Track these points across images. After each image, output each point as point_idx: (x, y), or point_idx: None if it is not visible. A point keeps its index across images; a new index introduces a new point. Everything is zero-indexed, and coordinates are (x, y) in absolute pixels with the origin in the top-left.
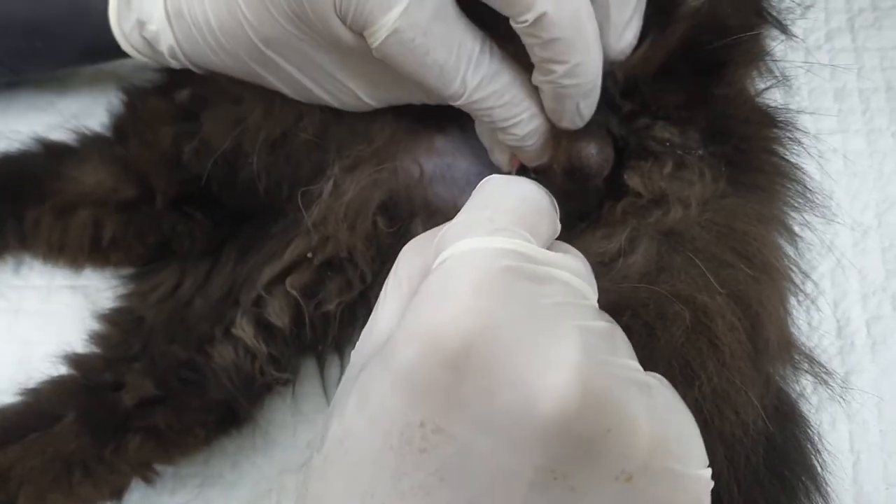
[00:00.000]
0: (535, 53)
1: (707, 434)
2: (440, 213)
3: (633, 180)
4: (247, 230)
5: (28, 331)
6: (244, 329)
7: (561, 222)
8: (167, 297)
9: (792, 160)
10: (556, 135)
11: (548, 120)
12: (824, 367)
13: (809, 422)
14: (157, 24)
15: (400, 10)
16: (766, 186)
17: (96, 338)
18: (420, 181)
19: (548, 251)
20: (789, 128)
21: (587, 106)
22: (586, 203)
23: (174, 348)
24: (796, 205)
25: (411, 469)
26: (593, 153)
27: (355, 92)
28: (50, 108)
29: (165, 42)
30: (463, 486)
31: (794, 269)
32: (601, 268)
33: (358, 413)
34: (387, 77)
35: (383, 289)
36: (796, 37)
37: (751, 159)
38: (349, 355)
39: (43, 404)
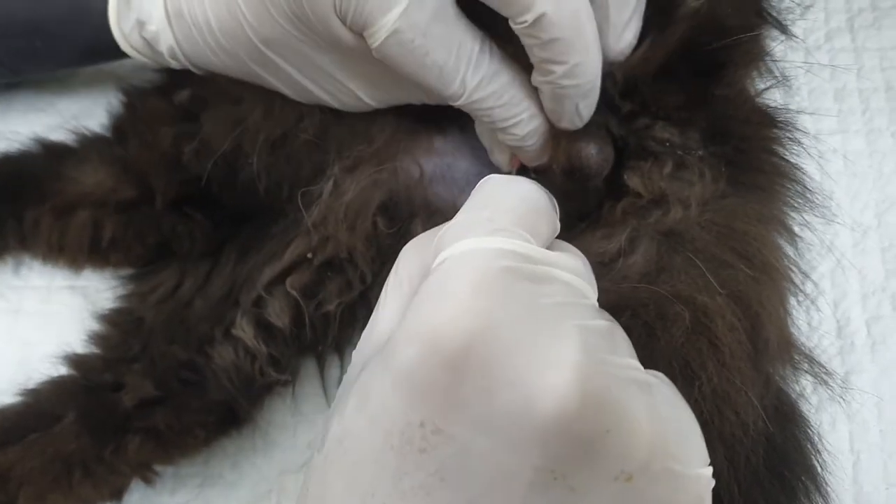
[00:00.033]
0: (535, 54)
1: (707, 434)
2: (440, 213)
3: (632, 180)
4: (247, 231)
5: (28, 331)
6: (244, 329)
7: (561, 222)
8: (167, 298)
9: (792, 160)
10: (556, 135)
11: (547, 120)
12: (824, 367)
13: (809, 422)
14: (157, 25)
15: (399, 10)
16: (766, 187)
17: (96, 338)
18: (420, 181)
19: (547, 251)
20: (789, 128)
21: (586, 106)
22: (586, 203)
23: (174, 349)
24: (796, 205)
25: (412, 469)
26: (593, 153)
27: (355, 92)
28: (50, 109)
29: (165, 42)
30: (463, 486)
31: (794, 269)
32: (601, 268)
33: (358, 413)
34: (387, 77)
35: (384, 289)
36: (796, 37)
37: (751, 159)
38: (349, 356)
39: (43, 405)
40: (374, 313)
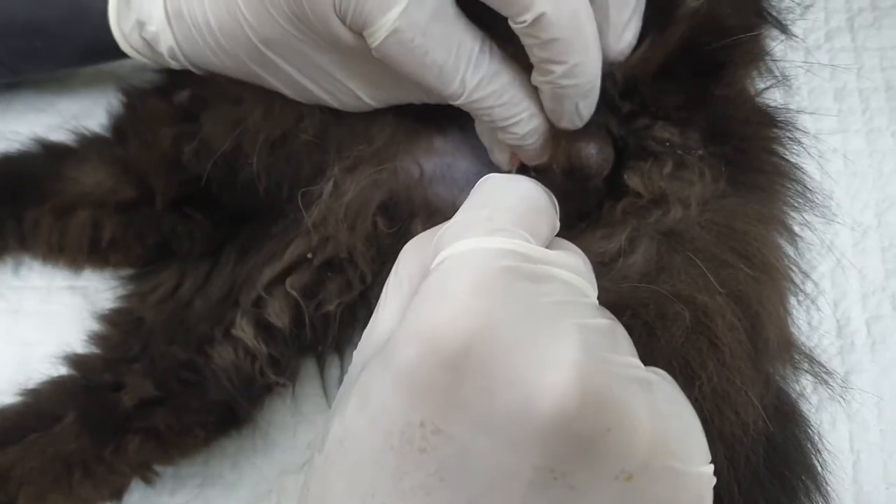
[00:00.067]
0: (534, 54)
1: (707, 434)
2: (440, 213)
3: (632, 180)
4: (247, 231)
5: (28, 331)
6: (244, 330)
7: (561, 222)
8: (167, 298)
9: (792, 160)
10: (556, 134)
11: (548, 119)
12: (824, 366)
13: (809, 421)
14: (157, 25)
15: (399, 10)
16: (766, 186)
17: (96, 338)
18: (420, 181)
19: (547, 250)
20: (789, 128)
21: (586, 106)
22: (586, 203)
23: (174, 349)
24: (796, 205)
25: (412, 469)
26: (593, 153)
27: (355, 92)
28: (50, 109)
29: (165, 43)
30: (463, 486)
31: (794, 268)
32: (601, 268)
33: (358, 413)
34: (386, 77)
35: (384, 289)
36: (796, 36)
37: (751, 159)
38: (349, 356)
39: (43, 405)
40: (374, 313)
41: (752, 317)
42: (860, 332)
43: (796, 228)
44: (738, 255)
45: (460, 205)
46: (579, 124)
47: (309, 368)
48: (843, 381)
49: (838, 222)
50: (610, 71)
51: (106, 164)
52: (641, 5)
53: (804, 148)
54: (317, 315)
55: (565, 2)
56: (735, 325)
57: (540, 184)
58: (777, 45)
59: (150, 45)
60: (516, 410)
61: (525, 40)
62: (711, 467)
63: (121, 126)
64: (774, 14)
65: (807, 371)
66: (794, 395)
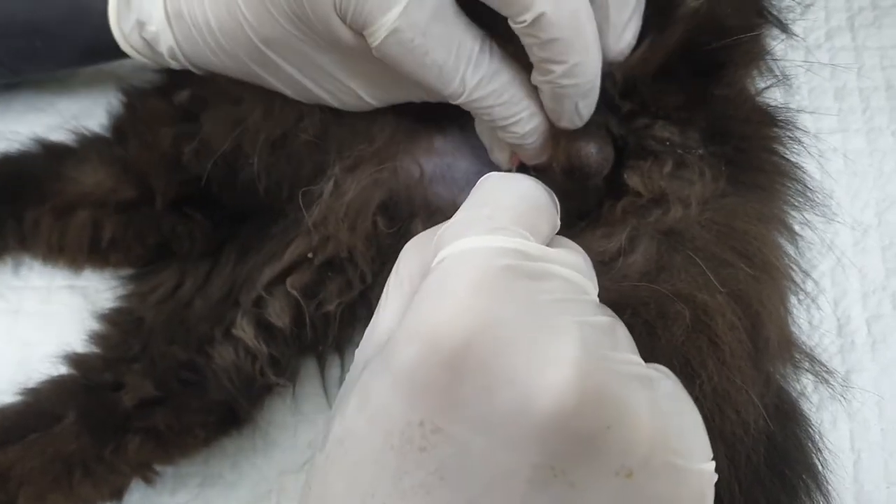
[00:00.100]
0: (534, 53)
1: (708, 433)
2: (440, 212)
3: (632, 180)
4: (247, 231)
5: (28, 331)
6: (244, 329)
7: (561, 221)
8: (167, 298)
9: (792, 159)
10: (556, 134)
11: (548, 119)
12: (825, 365)
13: (810, 420)
14: (157, 25)
15: (399, 10)
16: (766, 185)
17: (96, 338)
18: (420, 181)
19: (547, 248)
20: (789, 127)
21: (586, 106)
22: (586, 202)
23: (174, 349)
24: (796, 204)
25: (412, 468)
26: (593, 152)
27: (356, 91)
28: (49, 109)
29: (165, 43)
30: (463, 485)
31: (795, 268)
32: (601, 267)
33: (359, 413)
34: (387, 76)
35: (385, 288)
36: (796, 36)
37: (751, 158)
38: (350, 355)
39: (43, 404)
40: (375, 313)
41: (753, 316)
42: (860, 331)
43: (796, 227)
44: (739, 255)
45: (460, 204)
46: (579, 124)
47: (309, 368)
48: (844, 381)
49: (838, 221)
50: (609, 71)
51: (106, 164)
52: (641, 5)
53: (804, 147)
54: (317, 315)
55: (565, 2)
56: (735, 324)
57: (540, 182)
58: (777, 45)
59: (150, 45)
60: (515, 409)
61: (525, 40)
62: (713, 464)
63: (121, 126)
64: (775, 13)
65: (807, 370)
66: (794, 394)
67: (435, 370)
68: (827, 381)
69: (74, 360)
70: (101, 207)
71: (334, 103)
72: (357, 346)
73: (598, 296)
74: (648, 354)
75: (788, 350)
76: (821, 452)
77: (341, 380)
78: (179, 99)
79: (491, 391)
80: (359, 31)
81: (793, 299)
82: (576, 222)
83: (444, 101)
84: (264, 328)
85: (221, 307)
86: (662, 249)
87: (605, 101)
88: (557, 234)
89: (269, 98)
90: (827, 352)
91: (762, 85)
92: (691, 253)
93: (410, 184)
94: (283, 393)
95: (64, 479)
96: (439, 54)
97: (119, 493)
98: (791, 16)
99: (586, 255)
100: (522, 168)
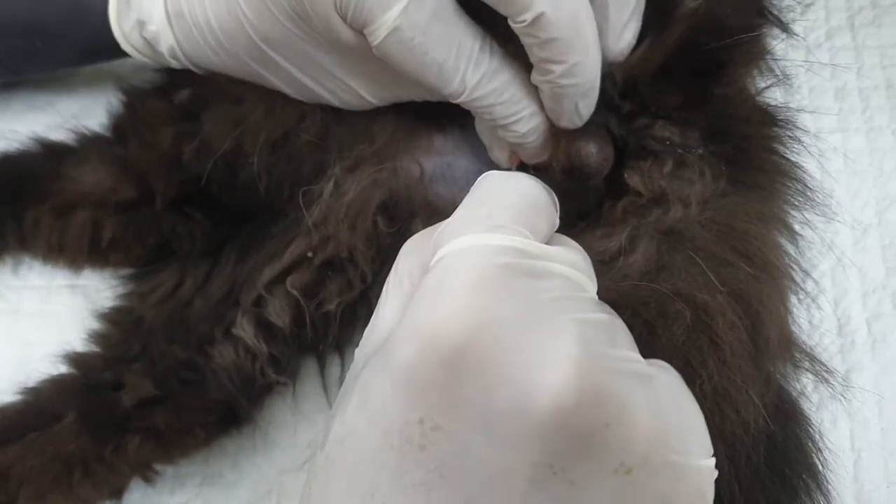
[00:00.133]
0: (534, 53)
1: (708, 432)
2: (440, 212)
3: (633, 179)
4: (247, 230)
5: (27, 331)
6: (244, 329)
7: (561, 221)
8: (167, 298)
9: (792, 159)
10: (556, 133)
11: (548, 118)
12: (825, 365)
13: (810, 420)
14: (158, 25)
15: (399, 8)
16: (766, 185)
17: (96, 337)
18: (420, 180)
19: (546, 246)
20: (790, 126)
21: (586, 106)
22: (586, 202)
23: (174, 348)
24: (797, 203)
25: (411, 467)
26: (593, 152)
27: (356, 90)
28: (49, 108)
29: (165, 42)
30: (462, 483)
31: (795, 267)
32: (601, 266)
33: (359, 412)
34: (387, 75)
35: (385, 287)
36: (796, 35)
37: (751, 158)
38: (350, 355)
39: (43, 403)
40: (375, 312)
41: (753, 315)
42: (861, 331)
43: (797, 227)
44: (739, 254)
45: (461, 203)
46: (579, 123)
47: (309, 367)
48: (844, 380)
49: (839, 221)
50: (609, 71)
51: (106, 163)
52: (641, 6)
53: (804, 147)
54: (317, 314)
55: (565, 2)
56: (736, 324)
57: (539, 180)
58: (777, 44)
59: (150, 44)
60: (514, 407)
61: (524, 40)
62: (713, 460)
63: (121, 125)
64: (775, 13)
65: (807, 370)
66: (794, 394)
67: (434, 369)
68: (827, 381)
69: (74, 359)
70: (101, 207)
71: (335, 102)
72: (357, 345)
73: (599, 295)
74: (649, 354)
75: (789, 350)
76: (821, 452)
77: (341, 379)
78: (180, 98)
79: (490, 389)
80: (359, 30)
81: (793, 299)
82: (576, 222)
83: (444, 100)
84: (264, 327)
85: (222, 307)
86: (663, 249)
87: (606, 101)
88: (556, 232)
89: (270, 97)
90: (827, 351)
91: (762, 84)
92: (691, 252)
93: (410, 183)
94: (283, 392)
95: (64, 479)
96: (439, 53)
97: (119, 492)
98: (791, 15)
99: (585, 253)
100: (522, 167)
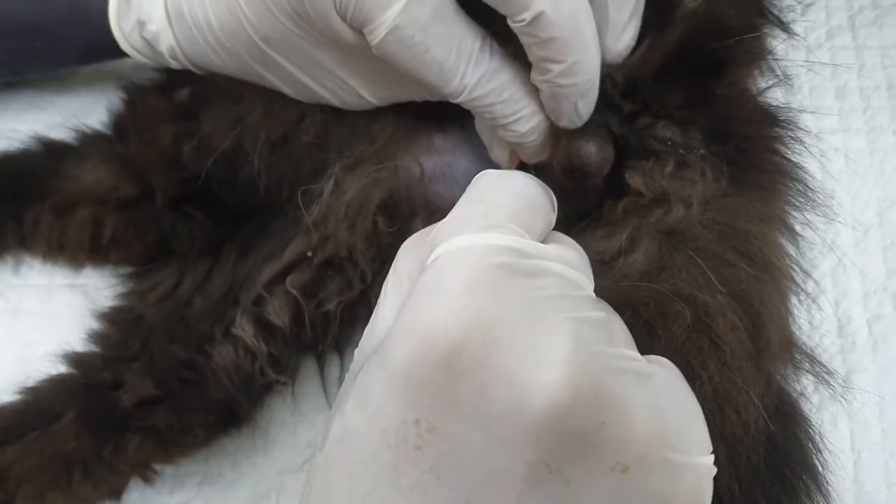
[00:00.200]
0: (533, 52)
1: (708, 433)
2: (440, 211)
3: (634, 179)
4: (247, 229)
5: (27, 331)
6: (244, 328)
7: (561, 221)
8: (167, 296)
9: (794, 159)
10: (556, 133)
11: (548, 118)
12: (825, 366)
13: (810, 421)
14: (157, 25)
15: (399, 7)
16: (767, 186)
17: (96, 336)
18: (420, 180)
19: (542, 245)
20: (791, 127)
21: (585, 105)
22: (586, 202)
23: (174, 348)
24: (798, 204)
25: (408, 467)
26: (593, 152)
27: (356, 90)
28: (49, 108)
29: (165, 42)
30: (459, 483)
31: (796, 268)
32: (602, 266)
33: (357, 412)
34: (388, 74)
35: (384, 286)
36: (797, 35)
37: (752, 158)
38: (350, 355)
39: (42, 403)
40: (374, 311)
41: (754, 316)
42: (861, 332)
43: (798, 228)
44: (740, 255)
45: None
46: (578, 123)
47: (309, 367)
48: (845, 381)
49: (839, 221)
50: (609, 72)
51: (106, 161)
52: (641, 6)
53: (806, 147)
54: (317, 314)
55: (564, 1)
56: (736, 325)
57: (536, 179)
58: (778, 44)
59: (150, 44)
60: (510, 407)
61: (524, 39)
62: (712, 457)
63: (121, 123)
64: (775, 13)
65: (808, 371)
66: (795, 395)
67: (430, 369)
68: (827, 382)
69: (74, 358)
70: (102, 205)
71: (335, 102)
72: (357, 345)
73: (599, 295)
74: (648, 354)
75: (789, 350)
76: (821, 453)
77: (341, 379)
78: (180, 97)
79: (485, 389)
80: (359, 29)
81: (794, 300)
82: (576, 222)
83: (444, 99)
84: (264, 327)
85: (221, 306)
86: (663, 249)
87: (606, 100)
88: (554, 230)
89: (270, 97)
90: (827, 352)
91: (764, 85)
92: (692, 253)
93: (411, 183)
94: (282, 392)
95: (63, 478)
96: (440, 52)
97: (118, 492)
98: (792, 15)
99: (582, 251)
100: (522, 167)
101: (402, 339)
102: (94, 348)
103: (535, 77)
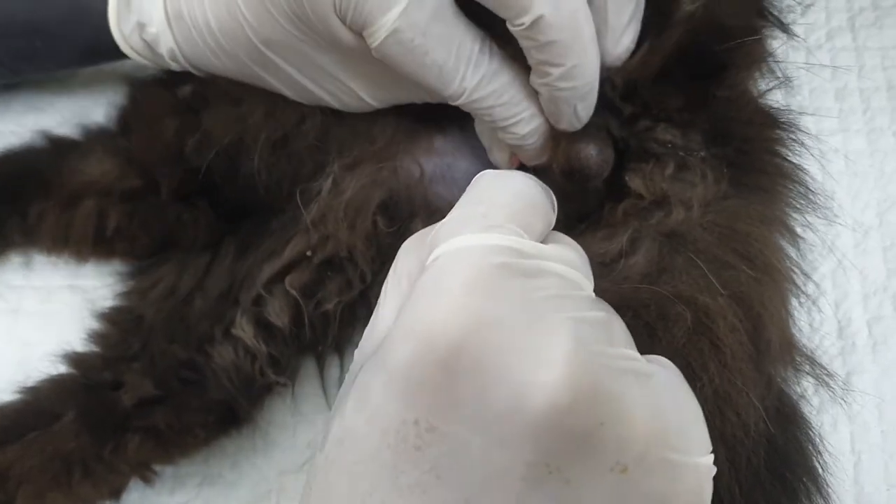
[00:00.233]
0: (532, 56)
1: (709, 435)
2: (440, 212)
3: (634, 182)
4: (247, 226)
5: (28, 331)
6: (244, 329)
7: (561, 223)
8: (167, 296)
9: (794, 161)
10: (556, 135)
11: (548, 120)
12: (826, 368)
13: (811, 423)
14: (157, 27)
15: (399, 10)
16: (768, 188)
17: (95, 336)
18: (420, 181)
19: (541, 245)
20: (792, 129)
21: (584, 108)
22: (586, 204)
23: (174, 348)
24: (798, 206)
25: (408, 467)
26: (592, 154)
27: (356, 92)
28: (49, 109)
29: (165, 44)
30: (459, 483)
31: (796, 270)
32: (602, 268)
33: (357, 413)
34: (387, 77)
35: (384, 287)
36: (797, 36)
37: (753, 161)
38: (349, 355)
39: (42, 403)
40: (374, 312)
41: (754, 318)
42: (861, 333)
43: (798, 230)
44: (740, 257)
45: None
46: (578, 126)
47: (309, 368)
48: (845, 383)
49: (839, 223)
50: (608, 75)
51: (111, 155)
52: (640, 10)
53: (807, 149)
54: (316, 314)
55: (564, 4)
56: (737, 327)
57: (535, 179)
58: (778, 45)
59: (150, 46)
60: (509, 407)
61: (523, 42)
62: (711, 457)
63: (125, 117)
64: (775, 14)
65: (808, 373)
66: (795, 397)
67: (429, 369)
68: (827, 385)
69: (74, 358)
70: (106, 197)
71: (335, 104)
72: (357, 345)
73: (600, 297)
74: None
75: (790, 352)
76: (821, 455)
77: (340, 380)
78: (183, 93)
79: (485, 389)
80: (358, 32)
81: (794, 302)
82: (576, 224)
83: (444, 102)
84: (263, 327)
85: (221, 305)
86: (664, 251)
87: (606, 103)
88: (554, 230)
89: (270, 99)
90: (827, 354)
91: (764, 87)
92: (693, 255)
93: (410, 183)
94: (282, 393)
95: (63, 478)
96: (439, 54)
97: (118, 492)
98: (792, 16)
99: (582, 251)
100: (522, 169)
101: (402, 339)
102: (94, 348)
103: (535, 80)
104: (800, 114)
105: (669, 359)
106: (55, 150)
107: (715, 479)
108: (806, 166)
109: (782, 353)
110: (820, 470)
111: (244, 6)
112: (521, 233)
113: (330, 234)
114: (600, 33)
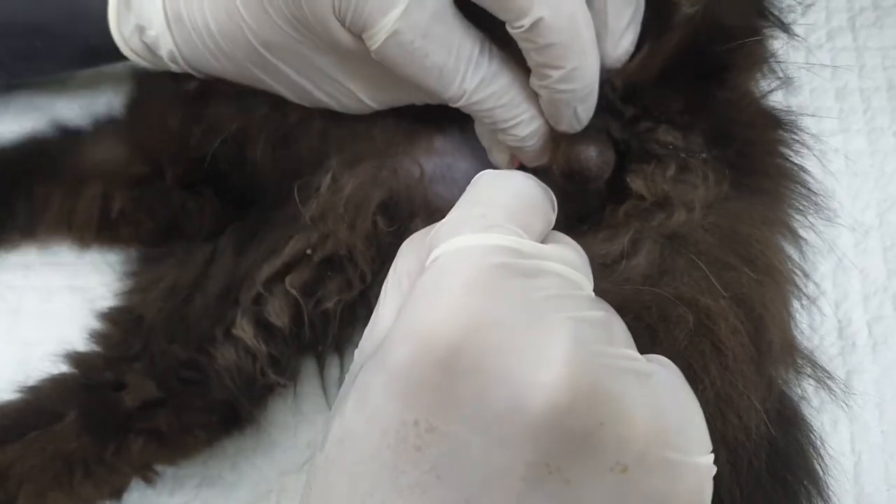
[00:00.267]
0: (532, 58)
1: (710, 437)
2: (440, 213)
3: (635, 183)
4: (248, 222)
5: (28, 331)
6: (244, 329)
7: (562, 224)
8: (167, 296)
9: (796, 163)
10: (556, 137)
11: (548, 122)
12: (826, 371)
13: (811, 425)
14: (157, 29)
15: (399, 12)
16: (769, 189)
17: (96, 336)
18: (420, 181)
19: (541, 245)
20: (793, 130)
21: (584, 110)
22: (587, 204)
23: (174, 348)
24: (800, 207)
25: (408, 467)
26: (593, 156)
27: (356, 94)
28: (49, 110)
29: (165, 47)
30: (458, 483)
31: (798, 271)
32: (603, 269)
33: (357, 413)
34: (387, 78)
35: (384, 287)
36: (797, 36)
37: (755, 162)
38: (349, 355)
39: (43, 402)
40: (374, 312)
41: (756, 320)
42: (861, 333)
43: (800, 231)
44: (742, 259)
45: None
46: (578, 128)
47: (309, 368)
48: (845, 384)
49: (840, 223)
50: (608, 77)
51: (119, 142)
52: (639, 12)
53: (808, 149)
54: (316, 313)
55: (563, 6)
56: (738, 329)
57: (535, 179)
58: (778, 45)
59: (150, 48)
60: (509, 407)
61: (522, 45)
62: (711, 457)
63: (133, 106)
64: (776, 14)
65: (809, 375)
66: (796, 399)
67: (429, 369)
68: (828, 386)
69: (75, 358)
70: (113, 181)
71: (334, 106)
72: (357, 345)
73: (602, 299)
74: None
75: (791, 354)
76: (822, 457)
77: (341, 380)
78: (188, 85)
79: (485, 390)
80: (358, 34)
81: (795, 303)
82: (578, 225)
83: (443, 103)
84: (263, 327)
85: (221, 305)
86: (665, 253)
87: (607, 105)
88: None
89: (271, 101)
90: (828, 354)
91: (766, 88)
92: (694, 257)
93: (410, 183)
94: (283, 393)
95: (64, 478)
96: (439, 56)
97: (119, 492)
98: (792, 16)
99: (581, 250)
100: (522, 169)
101: (402, 339)
102: (95, 348)
103: (535, 82)
104: (800, 114)
105: (670, 360)
106: (64, 135)
107: (716, 481)
108: (806, 167)
109: (783, 354)
110: (821, 472)
111: (243, 9)
112: (521, 233)
113: (330, 231)
114: (600, 36)
